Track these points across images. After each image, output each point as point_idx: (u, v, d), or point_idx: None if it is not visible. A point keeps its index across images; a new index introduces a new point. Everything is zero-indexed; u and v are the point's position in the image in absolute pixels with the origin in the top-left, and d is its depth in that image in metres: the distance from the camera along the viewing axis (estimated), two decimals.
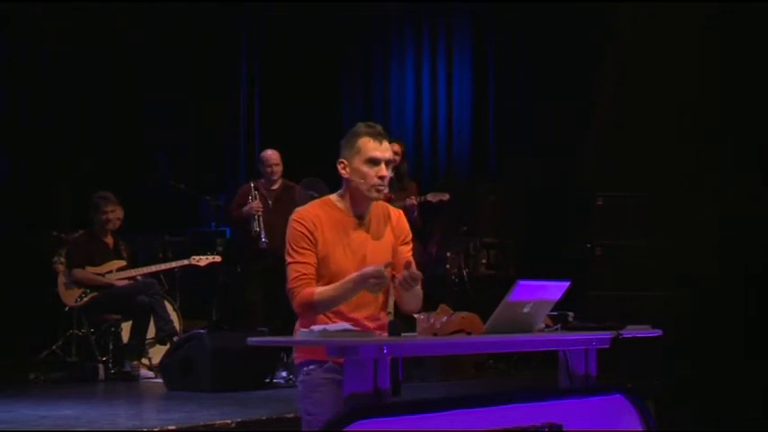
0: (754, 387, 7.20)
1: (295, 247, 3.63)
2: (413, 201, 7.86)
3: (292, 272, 3.63)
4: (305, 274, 3.61)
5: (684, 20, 8.71)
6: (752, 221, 8.30)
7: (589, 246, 8.44)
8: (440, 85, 11.04)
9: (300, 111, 10.98)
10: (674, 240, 8.34)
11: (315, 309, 3.60)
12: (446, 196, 7.98)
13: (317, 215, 3.68)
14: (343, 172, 3.72)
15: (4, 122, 9.60)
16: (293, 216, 3.70)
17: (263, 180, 8.37)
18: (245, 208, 8.18)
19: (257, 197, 8.20)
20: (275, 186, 8.31)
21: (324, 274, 3.64)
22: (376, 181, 3.66)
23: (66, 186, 9.01)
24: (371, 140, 3.69)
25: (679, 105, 8.71)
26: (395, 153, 7.97)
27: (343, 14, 11.10)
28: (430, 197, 7.95)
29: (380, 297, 3.75)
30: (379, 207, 3.82)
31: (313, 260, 3.63)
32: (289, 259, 3.65)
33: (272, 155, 8.33)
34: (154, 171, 10.50)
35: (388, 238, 3.80)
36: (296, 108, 10.99)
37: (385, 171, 3.69)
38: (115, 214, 8.07)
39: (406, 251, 3.82)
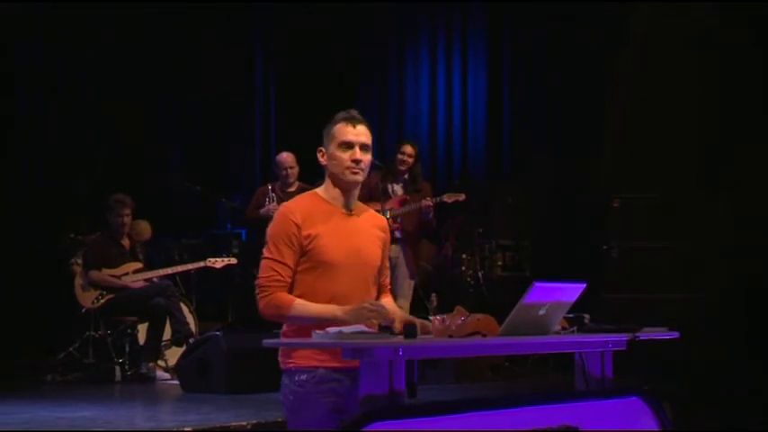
0: None
1: (277, 245, 3.55)
2: (428, 202, 7.85)
3: (268, 269, 3.54)
4: (282, 277, 3.53)
5: (698, 21, 8.69)
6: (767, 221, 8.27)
7: (605, 247, 8.42)
8: (455, 86, 11.04)
9: (315, 113, 10.98)
10: (691, 242, 8.31)
11: (285, 318, 3.55)
12: (462, 196, 7.97)
13: (305, 208, 3.61)
14: (321, 160, 3.68)
15: (19, 125, 9.64)
16: (281, 209, 3.64)
17: (279, 183, 8.38)
18: (263, 210, 8.20)
19: (274, 199, 8.21)
20: (292, 189, 8.32)
21: (316, 265, 3.55)
22: (349, 164, 3.60)
23: (82, 188, 9.05)
24: (346, 125, 3.64)
25: (696, 106, 8.68)
26: (408, 155, 8.07)
27: (358, 17, 11.11)
28: (446, 198, 7.94)
29: (371, 297, 3.69)
30: (364, 207, 3.79)
31: (292, 263, 3.54)
32: (267, 254, 3.57)
33: (287, 157, 8.35)
34: (169, 173, 10.53)
35: (378, 241, 3.76)
36: (311, 110, 11.00)
37: (359, 155, 3.61)
38: (131, 218, 8.11)
39: (386, 270, 3.81)
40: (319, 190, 3.71)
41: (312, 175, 8.31)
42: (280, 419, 5.37)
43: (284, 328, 3.67)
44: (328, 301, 3.54)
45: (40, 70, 9.83)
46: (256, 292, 3.57)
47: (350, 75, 11.41)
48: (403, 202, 7.95)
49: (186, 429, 5.00)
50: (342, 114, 3.68)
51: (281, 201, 8.22)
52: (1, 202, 9.24)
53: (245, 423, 5.21)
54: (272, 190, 8.29)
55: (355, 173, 3.61)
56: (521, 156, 10.50)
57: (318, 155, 3.69)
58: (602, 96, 9.55)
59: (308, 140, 10.41)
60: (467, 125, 10.96)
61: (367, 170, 3.67)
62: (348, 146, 3.62)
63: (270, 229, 3.61)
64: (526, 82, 10.57)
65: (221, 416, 5.55)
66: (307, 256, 3.56)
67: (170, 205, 10.18)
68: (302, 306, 3.51)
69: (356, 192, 3.70)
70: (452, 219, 9.41)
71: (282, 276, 3.53)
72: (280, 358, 3.63)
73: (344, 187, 3.66)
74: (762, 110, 8.51)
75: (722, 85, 8.60)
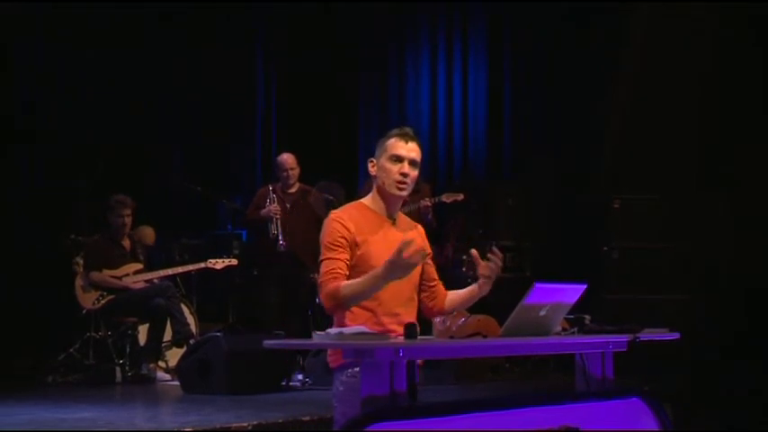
0: None
1: (330, 245, 3.72)
2: (427, 203, 7.86)
3: (323, 267, 3.71)
4: (334, 269, 3.68)
5: (698, 21, 8.68)
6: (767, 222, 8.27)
7: (605, 248, 8.41)
8: (455, 86, 11.02)
9: (317, 114, 10.99)
10: (691, 243, 8.31)
11: (341, 302, 3.64)
12: (461, 196, 7.97)
13: (354, 215, 3.81)
14: (371, 170, 3.91)
15: (19, 125, 9.64)
16: (331, 216, 3.81)
17: (279, 184, 8.38)
18: (263, 211, 8.20)
19: (275, 200, 8.21)
20: (292, 190, 8.32)
21: (365, 271, 3.69)
22: (398, 177, 3.83)
23: (83, 189, 9.04)
24: (398, 140, 3.87)
25: (696, 106, 8.67)
26: None
27: (358, 17, 11.11)
28: (444, 198, 7.95)
29: (414, 301, 3.87)
30: (404, 217, 4.02)
31: (345, 257, 3.71)
32: (322, 257, 3.73)
33: (288, 158, 8.35)
34: (169, 173, 10.52)
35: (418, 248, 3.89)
36: (312, 111, 11.00)
37: (407, 169, 3.85)
38: (132, 218, 8.11)
39: (431, 266, 4.03)
40: (366, 200, 3.93)
41: (313, 176, 8.32)
42: (280, 420, 5.38)
43: (335, 321, 3.79)
44: (373, 306, 3.72)
45: (40, 70, 9.82)
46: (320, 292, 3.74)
47: (350, 75, 11.40)
48: (402, 203, 7.94)
49: (187, 430, 5.00)
50: (396, 131, 3.93)
51: (281, 202, 8.23)
52: (1, 202, 9.24)
53: (245, 424, 5.21)
54: (273, 191, 8.29)
55: (401, 187, 3.86)
56: (521, 156, 10.48)
57: (369, 165, 3.92)
58: (602, 96, 9.54)
59: (309, 141, 10.42)
60: (467, 125, 10.94)
61: (412, 186, 3.91)
62: (398, 159, 3.85)
63: (323, 237, 3.78)
64: (526, 82, 10.55)
65: (222, 417, 5.54)
66: (356, 261, 3.73)
67: (170, 205, 10.18)
68: (349, 286, 3.64)
69: (399, 203, 3.95)
70: (453, 219, 9.40)
71: (335, 268, 3.69)
72: (330, 358, 3.76)
73: (389, 199, 3.90)
74: (762, 110, 8.51)
75: (722, 85, 8.60)
